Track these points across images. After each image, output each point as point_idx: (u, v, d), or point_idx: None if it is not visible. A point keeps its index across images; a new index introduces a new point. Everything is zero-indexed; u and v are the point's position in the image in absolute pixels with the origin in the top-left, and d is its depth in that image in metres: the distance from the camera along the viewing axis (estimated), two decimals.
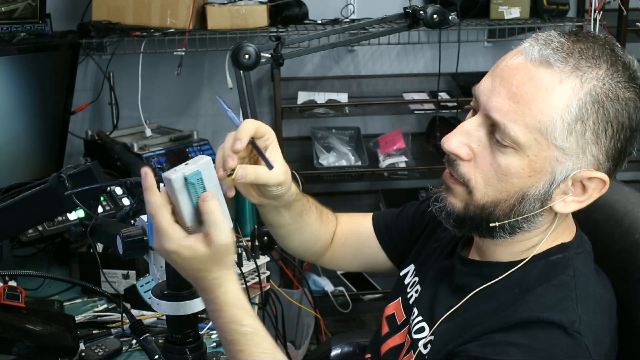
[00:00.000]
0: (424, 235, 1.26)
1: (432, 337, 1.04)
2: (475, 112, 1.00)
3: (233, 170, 1.01)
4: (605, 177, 0.95)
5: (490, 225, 0.99)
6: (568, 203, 0.97)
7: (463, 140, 0.98)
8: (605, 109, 0.91)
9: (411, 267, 1.23)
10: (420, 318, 1.10)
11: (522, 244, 1.02)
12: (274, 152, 1.08)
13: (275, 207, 1.17)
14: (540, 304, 0.94)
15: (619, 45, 0.97)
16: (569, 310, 0.93)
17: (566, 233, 1.04)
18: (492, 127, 0.96)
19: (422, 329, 1.08)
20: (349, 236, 1.37)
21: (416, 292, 1.17)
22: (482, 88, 0.97)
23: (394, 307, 1.21)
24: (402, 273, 1.25)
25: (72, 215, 1.77)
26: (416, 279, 1.20)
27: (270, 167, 1.04)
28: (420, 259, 1.22)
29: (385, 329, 1.20)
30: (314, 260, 1.41)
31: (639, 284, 1.01)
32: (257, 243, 1.76)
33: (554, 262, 1.00)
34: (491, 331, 0.94)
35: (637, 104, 0.93)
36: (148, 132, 2.29)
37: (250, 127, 1.03)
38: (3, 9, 2.00)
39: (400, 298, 1.21)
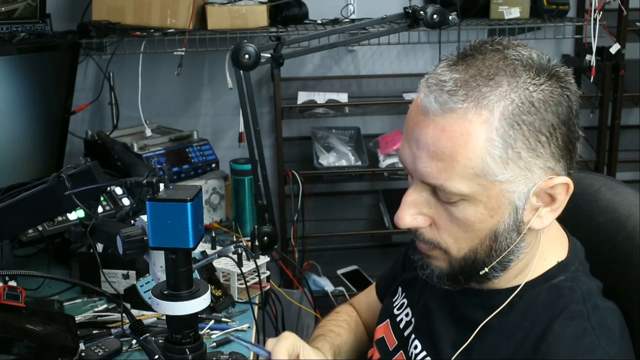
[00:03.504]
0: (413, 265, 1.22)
1: None
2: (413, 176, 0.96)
3: None
4: (565, 179, 0.91)
5: (480, 273, 0.95)
6: (543, 217, 0.93)
7: (413, 211, 0.95)
8: (528, 123, 0.87)
9: (399, 290, 1.20)
10: (424, 353, 1.06)
11: (513, 270, 0.98)
12: (307, 355, 1.14)
13: None
14: (565, 347, 0.91)
15: (514, 43, 0.92)
16: (596, 349, 0.90)
17: (557, 245, 1.01)
18: (434, 188, 0.92)
19: None
20: (367, 318, 1.38)
21: (406, 315, 1.14)
22: (405, 156, 0.93)
23: (383, 331, 1.19)
24: (391, 297, 1.22)
25: (72, 215, 1.77)
26: (404, 300, 1.17)
27: None
28: (407, 281, 1.19)
29: (376, 355, 1.18)
30: None
31: None
32: (257, 243, 1.76)
33: (558, 286, 0.96)
34: None
35: (557, 96, 0.88)
36: (148, 132, 2.29)
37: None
38: (3, 9, 2.00)
39: (388, 320, 1.18)
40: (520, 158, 0.88)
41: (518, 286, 0.97)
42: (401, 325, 1.14)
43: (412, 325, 1.12)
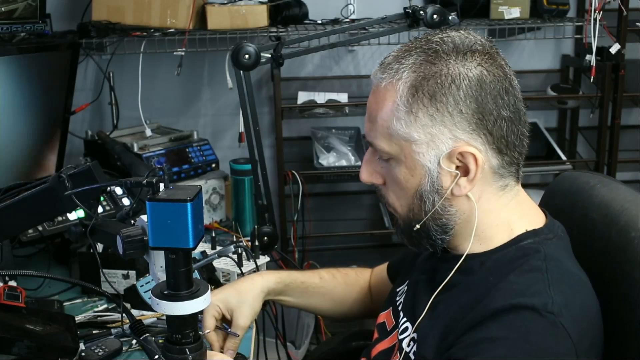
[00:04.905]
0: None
1: (414, 334, 1.06)
2: None
3: None
4: (472, 149, 0.98)
5: (414, 229, 1.04)
6: (462, 186, 1.01)
7: (369, 169, 1.09)
8: (428, 93, 0.98)
9: (406, 280, 1.24)
10: (405, 319, 1.13)
11: (471, 236, 1.04)
12: (237, 317, 1.29)
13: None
14: (512, 290, 0.96)
15: (455, 30, 1.03)
16: (542, 293, 0.94)
17: (531, 220, 1.05)
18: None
19: (406, 329, 1.11)
20: (378, 286, 1.44)
21: (404, 298, 1.19)
22: None
23: (384, 316, 1.23)
24: (397, 286, 1.27)
25: (72, 215, 1.77)
26: (405, 287, 1.21)
27: (236, 335, 1.29)
28: (410, 270, 1.24)
29: (375, 336, 1.23)
30: (364, 317, 1.49)
31: (636, 282, 1.00)
32: (257, 243, 1.76)
33: (524, 247, 1.02)
34: (472, 327, 0.95)
35: (471, 74, 0.98)
36: (148, 132, 2.29)
37: (209, 325, 1.27)
38: (3, 9, 2.00)
39: (391, 307, 1.22)
40: (421, 124, 0.99)
41: (488, 251, 1.04)
42: (399, 308, 1.19)
43: (402, 302, 1.18)
